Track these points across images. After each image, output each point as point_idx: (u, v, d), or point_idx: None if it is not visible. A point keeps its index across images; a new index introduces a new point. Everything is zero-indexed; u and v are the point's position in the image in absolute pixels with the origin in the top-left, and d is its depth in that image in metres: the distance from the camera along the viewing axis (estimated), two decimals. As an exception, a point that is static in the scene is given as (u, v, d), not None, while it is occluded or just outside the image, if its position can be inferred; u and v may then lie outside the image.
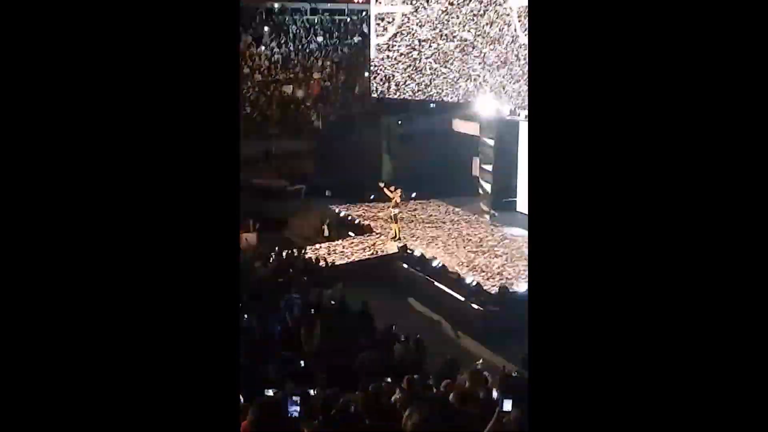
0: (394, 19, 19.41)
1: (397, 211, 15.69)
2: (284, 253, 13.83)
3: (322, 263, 13.74)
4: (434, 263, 13.87)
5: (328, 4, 26.94)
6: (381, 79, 19.89)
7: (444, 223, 17.48)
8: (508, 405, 4.28)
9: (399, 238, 15.40)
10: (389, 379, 6.77)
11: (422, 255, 14.42)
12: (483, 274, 13.64)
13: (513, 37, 16.27)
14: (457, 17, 18.05)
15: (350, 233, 16.55)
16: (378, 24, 19.66)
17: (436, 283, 13.26)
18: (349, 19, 27.35)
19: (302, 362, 8.06)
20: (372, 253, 15.10)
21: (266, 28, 26.65)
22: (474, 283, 12.77)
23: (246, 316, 9.00)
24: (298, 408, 3.96)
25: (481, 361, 7.71)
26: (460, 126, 20.04)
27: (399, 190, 15.84)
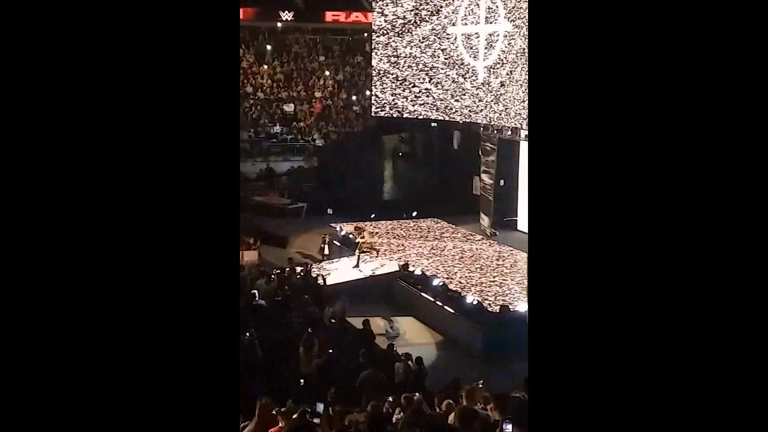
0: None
1: (361, 240, 15.58)
2: (285, 271, 13.85)
3: (321, 281, 13.75)
4: (434, 282, 13.88)
5: (331, 24, 27.19)
6: (382, 98, 19.99)
7: (444, 241, 17.51)
8: (508, 427, 4.29)
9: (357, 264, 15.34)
10: (391, 398, 6.77)
11: (423, 273, 14.44)
12: (483, 293, 13.66)
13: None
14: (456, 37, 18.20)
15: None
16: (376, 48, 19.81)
17: (436, 302, 13.26)
18: (351, 39, 27.56)
19: (302, 380, 8.06)
20: (372, 272, 15.10)
21: (269, 47, 26.85)
22: (474, 302, 12.78)
23: (248, 334, 9.01)
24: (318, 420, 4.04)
25: (482, 381, 7.69)
26: (460, 145, 20.16)
27: (364, 232, 15.79)
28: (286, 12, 26.17)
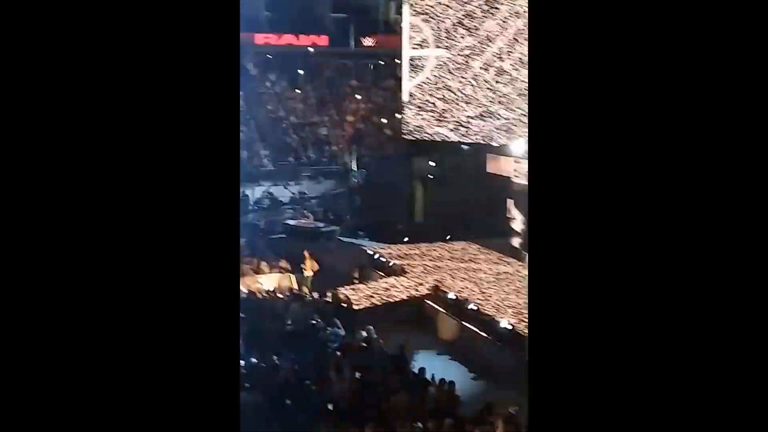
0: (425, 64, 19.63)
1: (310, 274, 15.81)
2: (317, 294, 13.86)
3: (351, 305, 13.71)
4: (467, 305, 13.75)
5: (362, 49, 27.52)
6: (413, 121, 20.04)
7: (477, 264, 17.36)
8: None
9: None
10: (420, 425, 6.69)
11: (455, 297, 14.33)
12: (517, 316, 13.47)
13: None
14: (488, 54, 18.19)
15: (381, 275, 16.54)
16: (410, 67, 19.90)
17: (469, 326, 13.13)
18: (382, 63, 27.75)
19: (330, 405, 8.01)
20: (405, 295, 15.03)
21: (301, 72, 27.14)
22: (508, 326, 12.62)
23: (276, 357, 9.00)
24: None
25: (517, 407, 7.55)
26: (493, 167, 20.05)
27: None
28: (367, 38, 26.67)
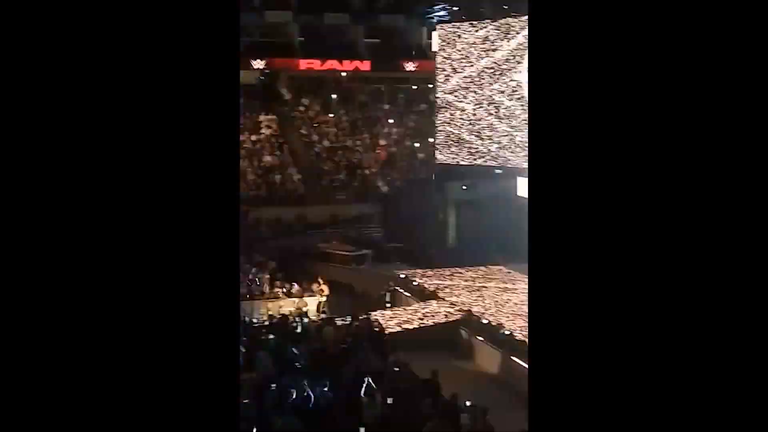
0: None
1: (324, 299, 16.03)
2: (348, 318, 13.81)
3: (382, 329, 13.63)
4: (501, 330, 13.58)
5: (396, 73, 27.77)
6: (446, 145, 20.06)
7: (510, 289, 17.17)
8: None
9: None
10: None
11: (488, 322, 14.16)
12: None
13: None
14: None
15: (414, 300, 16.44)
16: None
17: (500, 351, 12.95)
18: (416, 87, 27.89)
19: (362, 429, 7.92)
20: (437, 319, 14.91)
21: (334, 96, 27.36)
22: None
23: (305, 382, 8.95)
24: None
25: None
26: (525, 191, 19.92)
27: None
28: (410, 63, 26.89)
